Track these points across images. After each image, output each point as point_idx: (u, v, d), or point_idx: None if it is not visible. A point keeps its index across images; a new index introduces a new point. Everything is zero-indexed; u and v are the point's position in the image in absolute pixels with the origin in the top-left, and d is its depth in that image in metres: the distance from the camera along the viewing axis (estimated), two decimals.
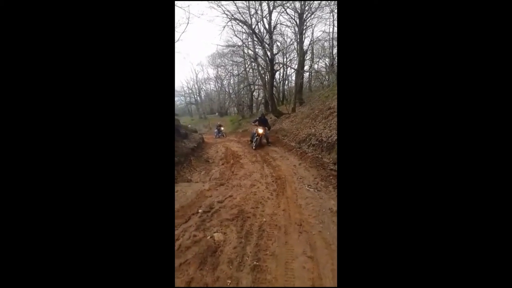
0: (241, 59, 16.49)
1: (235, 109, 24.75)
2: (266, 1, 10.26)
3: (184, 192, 3.36)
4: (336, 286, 1.52)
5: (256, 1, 10.43)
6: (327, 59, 15.59)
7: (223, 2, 10.33)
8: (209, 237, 2.17)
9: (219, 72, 23.60)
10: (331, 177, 3.61)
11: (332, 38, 14.16)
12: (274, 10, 10.73)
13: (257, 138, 7.03)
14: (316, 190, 3.28)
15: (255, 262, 1.79)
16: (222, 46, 16.94)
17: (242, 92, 20.51)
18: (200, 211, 2.75)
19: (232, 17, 10.23)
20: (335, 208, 2.63)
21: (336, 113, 5.87)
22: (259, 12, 10.76)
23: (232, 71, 20.02)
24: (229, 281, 1.61)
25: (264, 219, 2.50)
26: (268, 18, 10.77)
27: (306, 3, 10.46)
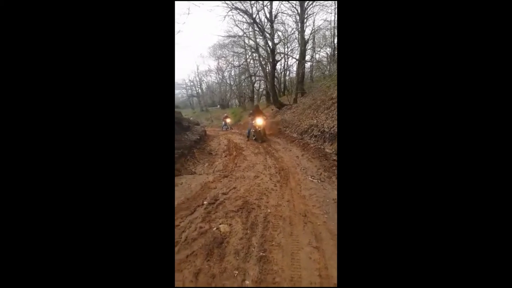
0: (242, 50, 16.28)
1: (237, 101, 24.60)
2: None
3: (189, 184, 3.38)
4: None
5: None
6: (328, 49, 15.30)
7: None
8: (215, 228, 2.19)
9: (220, 64, 23.36)
10: (334, 168, 3.61)
11: (334, 27, 13.84)
12: None
13: (259, 131, 6.74)
14: (319, 181, 3.28)
15: (261, 253, 1.81)
16: (223, 36, 16.67)
17: (243, 84, 20.33)
18: (205, 203, 2.77)
19: (233, 7, 10.02)
20: None
21: None
22: (259, 0, 10.53)
23: (233, 62, 19.79)
24: (236, 272, 1.63)
25: (269, 210, 2.51)
26: (269, 6, 10.55)
27: None
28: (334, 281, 1.53)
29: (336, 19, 13.29)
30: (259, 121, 6.73)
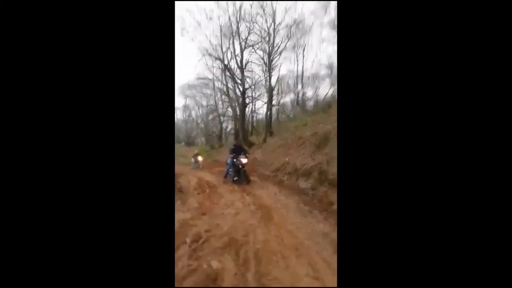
0: (211, 92, 16.95)
1: (203, 139, 24.50)
2: (238, 41, 11.18)
3: None
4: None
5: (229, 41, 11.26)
6: (292, 95, 16.99)
7: (198, 38, 10.98)
8: (205, 265, 2.04)
9: (187, 102, 23.65)
10: (315, 201, 3.74)
11: (296, 76, 15.66)
12: (245, 50, 11.65)
13: (244, 170, 5.78)
14: (302, 216, 3.35)
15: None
16: (193, 78, 17.28)
17: (211, 124, 20.62)
18: (188, 240, 2.59)
19: (207, 53, 10.78)
20: (326, 230, 2.71)
21: (308, 141, 6.26)
22: (231, 49, 11.56)
23: (201, 101, 20.26)
24: None
25: (258, 246, 2.45)
26: (240, 56, 11.59)
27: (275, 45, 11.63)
28: None
29: (297, 69, 15.07)
30: (244, 160, 5.80)
